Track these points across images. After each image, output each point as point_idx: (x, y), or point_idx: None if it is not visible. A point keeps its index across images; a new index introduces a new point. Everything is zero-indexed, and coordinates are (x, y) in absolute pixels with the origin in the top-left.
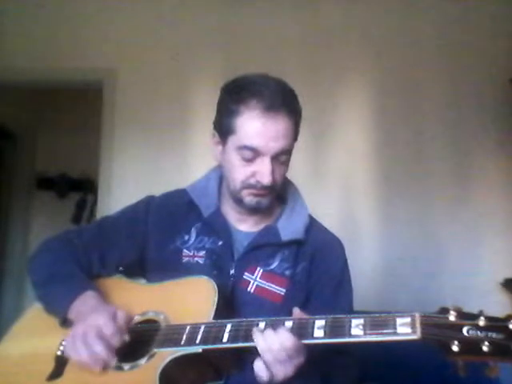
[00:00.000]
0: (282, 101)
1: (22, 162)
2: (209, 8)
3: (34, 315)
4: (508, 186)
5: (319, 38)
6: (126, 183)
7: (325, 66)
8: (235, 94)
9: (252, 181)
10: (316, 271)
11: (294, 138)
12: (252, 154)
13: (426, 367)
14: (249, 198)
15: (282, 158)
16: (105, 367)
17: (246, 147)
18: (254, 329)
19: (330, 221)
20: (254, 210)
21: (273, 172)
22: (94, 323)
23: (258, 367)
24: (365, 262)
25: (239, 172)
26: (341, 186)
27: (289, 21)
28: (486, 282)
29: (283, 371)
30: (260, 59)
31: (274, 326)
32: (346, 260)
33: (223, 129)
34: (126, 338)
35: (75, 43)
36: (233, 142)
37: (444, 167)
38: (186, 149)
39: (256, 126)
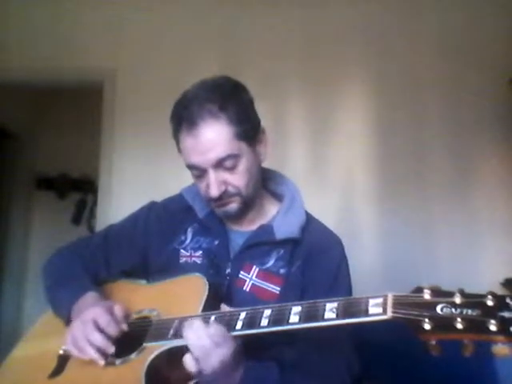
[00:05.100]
0: (206, 111)
1: (22, 162)
2: (209, 9)
3: (48, 319)
4: (508, 186)
5: (319, 37)
6: (126, 183)
7: (324, 64)
8: (172, 119)
9: (208, 194)
10: (310, 270)
11: (237, 137)
12: (197, 171)
13: (425, 366)
14: (216, 209)
15: (227, 164)
16: (106, 358)
17: (189, 166)
18: (184, 323)
19: (328, 219)
20: (227, 218)
21: (222, 181)
22: (90, 316)
23: (186, 361)
24: (363, 261)
25: (200, 187)
26: (340, 183)
27: (289, 21)
28: (486, 281)
29: (209, 362)
30: (260, 59)
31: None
32: (343, 259)
33: (179, 150)
34: (124, 327)
35: (75, 43)
36: (184, 161)
37: (444, 166)
38: None
39: (187, 146)
